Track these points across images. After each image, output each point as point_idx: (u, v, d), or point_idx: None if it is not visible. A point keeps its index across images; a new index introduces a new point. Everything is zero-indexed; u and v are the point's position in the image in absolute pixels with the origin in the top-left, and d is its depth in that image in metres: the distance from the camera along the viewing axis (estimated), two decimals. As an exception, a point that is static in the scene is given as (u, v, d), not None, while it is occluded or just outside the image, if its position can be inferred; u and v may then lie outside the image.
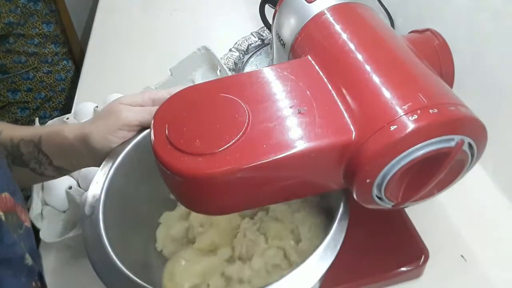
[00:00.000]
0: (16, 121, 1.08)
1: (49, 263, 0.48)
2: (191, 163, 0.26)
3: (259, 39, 0.76)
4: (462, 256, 0.45)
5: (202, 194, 0.28)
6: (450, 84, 0.32)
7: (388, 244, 0.42)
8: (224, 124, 0.28)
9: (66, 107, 1.16)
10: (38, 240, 0.47)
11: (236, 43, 0.75)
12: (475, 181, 0.52)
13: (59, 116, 0.63)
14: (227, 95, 0.30)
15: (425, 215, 0.47)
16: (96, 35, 0.86)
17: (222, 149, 0.27)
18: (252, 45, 0.75)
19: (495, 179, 0.51)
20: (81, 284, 0.46)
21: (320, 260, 0.27)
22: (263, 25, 0.72)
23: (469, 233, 0.46)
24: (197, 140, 0.27)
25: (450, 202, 0.49)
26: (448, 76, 0.32)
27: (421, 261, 0.41)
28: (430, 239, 0.43)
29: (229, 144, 0.27)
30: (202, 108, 0.30)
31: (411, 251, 0.42)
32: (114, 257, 0.30)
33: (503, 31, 0.45)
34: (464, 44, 0.50)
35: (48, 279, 0.47)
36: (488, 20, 0.47)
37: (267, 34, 0.76)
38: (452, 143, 0.25)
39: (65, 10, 1.20)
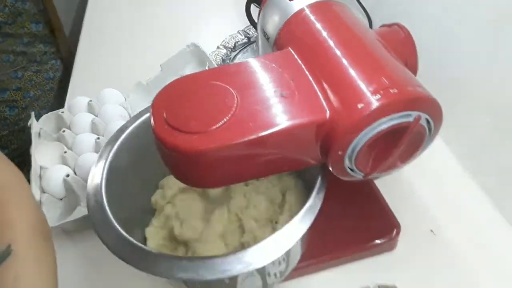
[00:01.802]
0: (5, 120, 1.09)
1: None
2: (187, 140, 0.30)
3: (245, 37, 0.79)
4: (431, 230, 0.49)
5: (196, 168, 0.31)
6: (414, 71, 0.37)
7: (363, 219, 0.46)
8: (215, 107, 0.32)
9: (54, 106, 1.17)
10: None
11: (223, 40, 0.78)
12: (442, 163, 0.57)
13: (47, 114, 0.64)
14: (217, 83, 0.34)
15: (397, 195, 0.51)
16: (88, 31, 0.89)
17: (214, 128, 0.30)
18: (239, 43, 0.79)
19: (461, 161, 0.56)
20: (78, 267, 0.49)
21: (300, 223, 0.31)
22: (249, 23, 0.75)
23: (437, 210, 0.51)
24: (192, 121, 0.31)
25: (420, 183, 0.54)
26: (412, 64, 0.36)
27: (394, 233, 0.45)
28: (403, 216, 0.47)
29: (220, 124, 0.31)
30: (195, 94, 0.33)
31: (384, 225, 0.46)
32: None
33: (465, 29, 0.50)
34: (432, 40, 0.55)
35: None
36: (453, 18, 0.52)
37: (253, 32, 0.80)
38: (411, 118, 0.29)
39: (53, 10, 1.21)
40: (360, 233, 0.45)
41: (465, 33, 0.50)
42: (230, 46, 0.78)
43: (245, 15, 0.74)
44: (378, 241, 0.45)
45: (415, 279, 0.45)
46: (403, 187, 0.54)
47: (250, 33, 0.79)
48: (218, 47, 0.77)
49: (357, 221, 0.46)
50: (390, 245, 0.47)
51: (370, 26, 0.66)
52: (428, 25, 0.56)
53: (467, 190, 0.53)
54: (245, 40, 0.79)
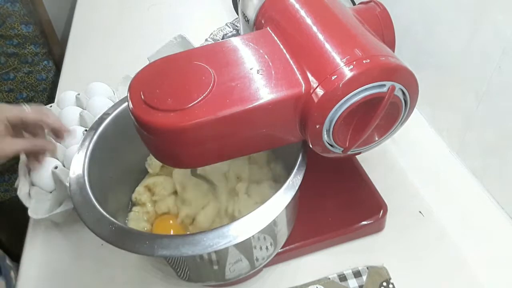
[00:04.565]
0: (-2, 121, 1.09)
1: (37, 239, 0.51)
2: (164, 118, 0.30)
3: (233, 29, 0.80)
4: (420, 212, 0.49)
5: (175, 147, 0.31)
6: (392, 44, 0.37)
7: (350, 201, 0.47)
8: (192, 85, 0.32)
9: (48, 106, 1.17)
10: (27, 217, 0.50)
11: (211, 33, 0.79)
12: (431, 146, 0.57)
13: None
14: (195, 62, 0.34)
15: (385, 177, 0.51)
16: (77, 27, 0.89)
17: (191, 105, 0.30)
18: (227, 35, 0.79)
19: (450, 144, 0.56)
20: (68, 258, 0.49)
21: (282, 197, 0.31)
22: (237, 16, 0.76)
23: (425, 192, 0.51)
24: (169, 99, 0.31)
25: (410, 167, 0.54)
26: (389, 38, 0.36)
27: (380, 214, 0.45)
28: (391, 198, 0.48)
29: (197, 101, 0.31)
30: (172, 73, 0.34)
31: (371, 206, 0.46)
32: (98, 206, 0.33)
33: (448, 12, 0.50)
34: (419, 24, 0.55)
35: (37, 253, 0.50)
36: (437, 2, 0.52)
37: (241, 24, 0.80)
38: (385, 89, 0.29)
39: (43, 11, 1.21)
40: (347, 215, 0.45)
41: (446, 12, 0.50)
42: (218, 38, 0.78)
43: (233, 7, 0.74)
44: (365, 222, 0.45)
45: (404, 260, 0.45)
46: (391, 170, 0.54)
47: (238, 25, 0.79)
48: (206, 40, 0.77)
49: (343, 203, 0.46)
50: (378, 226, 0.47)
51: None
52: (411, 5, 0.56)
53: (455, 171, 0.54)
54: (234, 32, 0.79)
